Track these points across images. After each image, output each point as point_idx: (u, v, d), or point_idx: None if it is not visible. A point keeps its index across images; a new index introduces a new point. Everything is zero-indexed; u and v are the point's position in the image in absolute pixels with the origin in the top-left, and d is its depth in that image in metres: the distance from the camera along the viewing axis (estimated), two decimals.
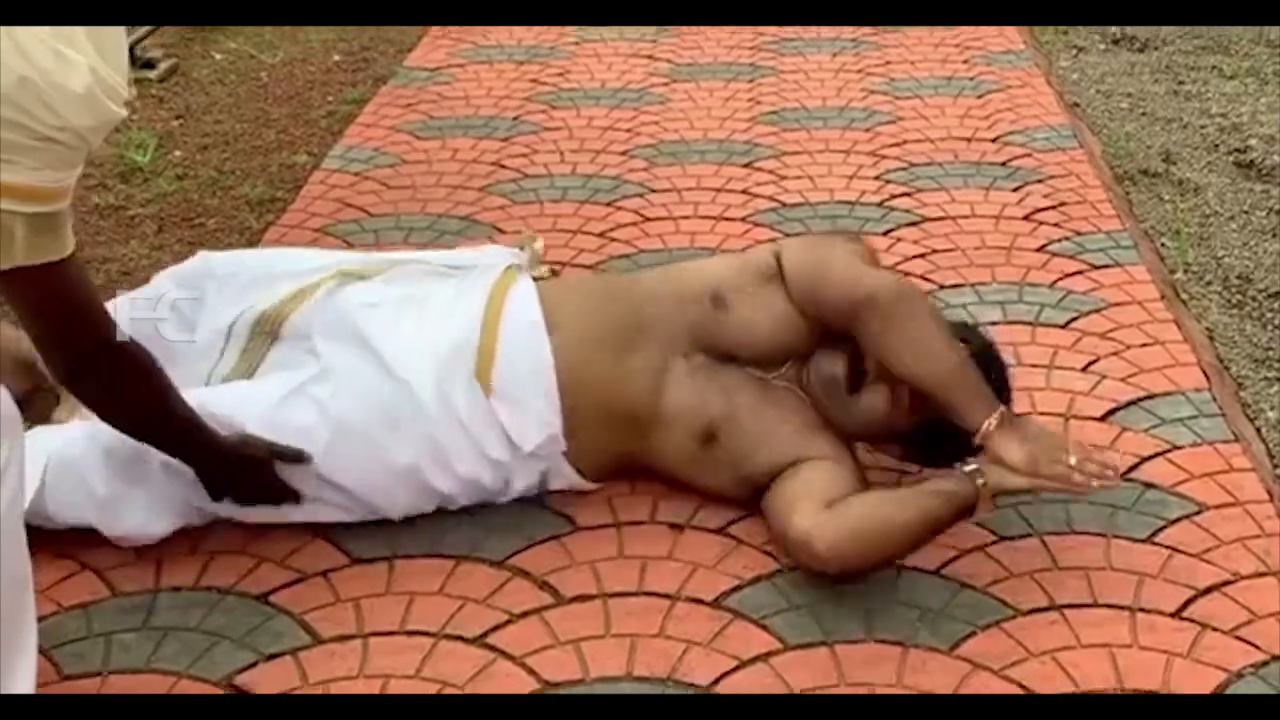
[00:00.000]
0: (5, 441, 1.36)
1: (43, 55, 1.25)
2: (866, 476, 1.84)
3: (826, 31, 3.97)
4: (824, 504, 1.71)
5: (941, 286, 2.51)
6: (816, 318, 1.85)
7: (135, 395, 1.60)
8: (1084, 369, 2.22)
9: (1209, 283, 2.56)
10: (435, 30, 4.10)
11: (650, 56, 3.80)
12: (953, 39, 3.89)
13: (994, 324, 2.36)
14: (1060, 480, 1.65)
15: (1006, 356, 1.94)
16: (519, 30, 4.06)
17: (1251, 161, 3.07)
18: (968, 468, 1.71)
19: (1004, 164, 3.05)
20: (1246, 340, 2.36)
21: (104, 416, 1.62)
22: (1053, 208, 2.82)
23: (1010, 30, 3.96)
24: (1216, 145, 3.17)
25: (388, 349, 1.82)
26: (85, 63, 1.28)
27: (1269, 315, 2.45)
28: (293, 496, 1.78)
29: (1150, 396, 2.14)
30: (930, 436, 1.81)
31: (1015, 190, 2.91)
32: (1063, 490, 1.69)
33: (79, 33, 1.29)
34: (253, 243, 2.73)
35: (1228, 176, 3.01)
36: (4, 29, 1.24)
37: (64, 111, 1.28)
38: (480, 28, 4.09)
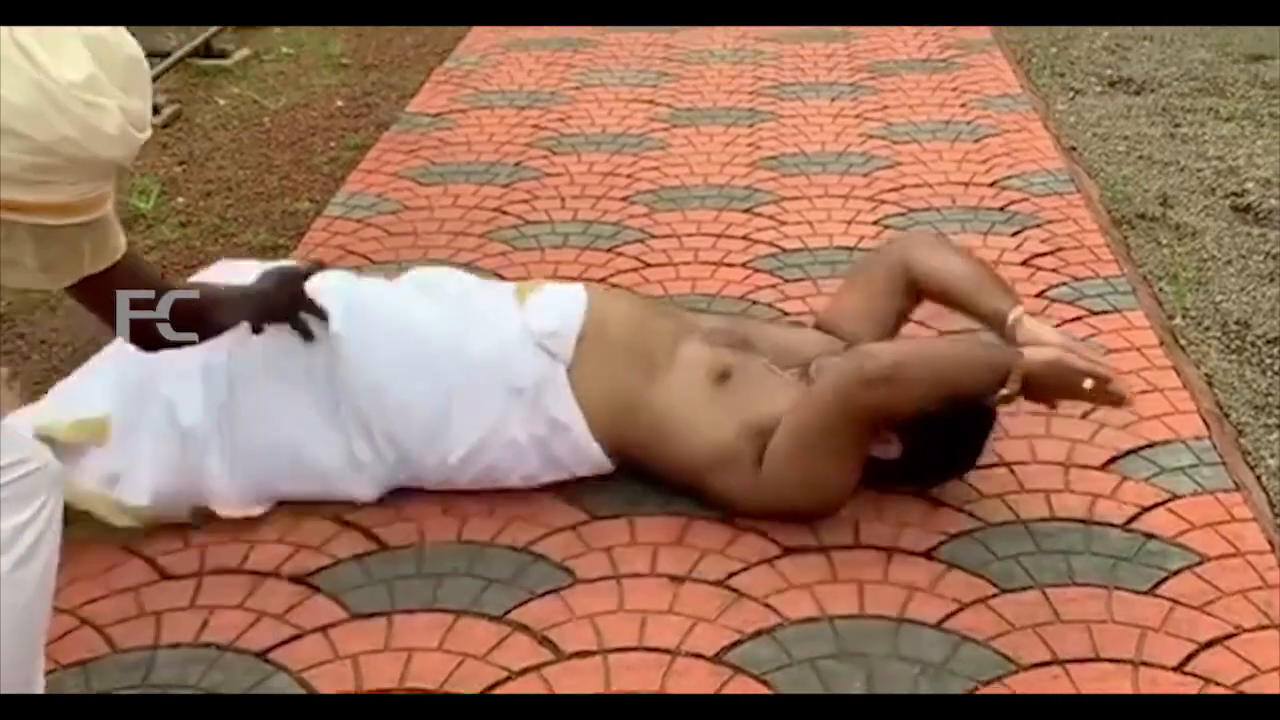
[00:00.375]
0: (44, 497, 1.43)
1: (77, 108, 1.33)
2: None
3: (824, 76, 4.00)
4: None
5: (941, 333, 2.51)
6: (876, 308, 2.14)
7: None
8: (1083, 416, 2.22)
9: (1207, 328, 2.57)
10: (438, 74, 4.14)
11: (651, 101, 3.82)
12: (950, 83, 3.91)
13: None
14: (1088, 361, 1.87)
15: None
16: (520, 75, 4.09)
17: (1249, 205, 3.08)
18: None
19: (1002, 209, 3.06)
20: (1246, 386, 2.37)
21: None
22: (1050, 253, 2.83)
23: (1007, 74, 3.99)
24: (1213, 188, 3.19)
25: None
26: (115, 104, 1.37)
27: (1268, 361, 2.45)
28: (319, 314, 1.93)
29: (1150, 445, 2.14)
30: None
31: (1013, 235, 2.93)
32: (1092, 369, 1.86)
33: (103, 79, 1.36)
34: None
35: (1225, 220, 3.02)
36: (42, 90, 1.31)
37: (100, 152, 1.37)
38: (483, 71, 4.13)
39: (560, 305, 2.06)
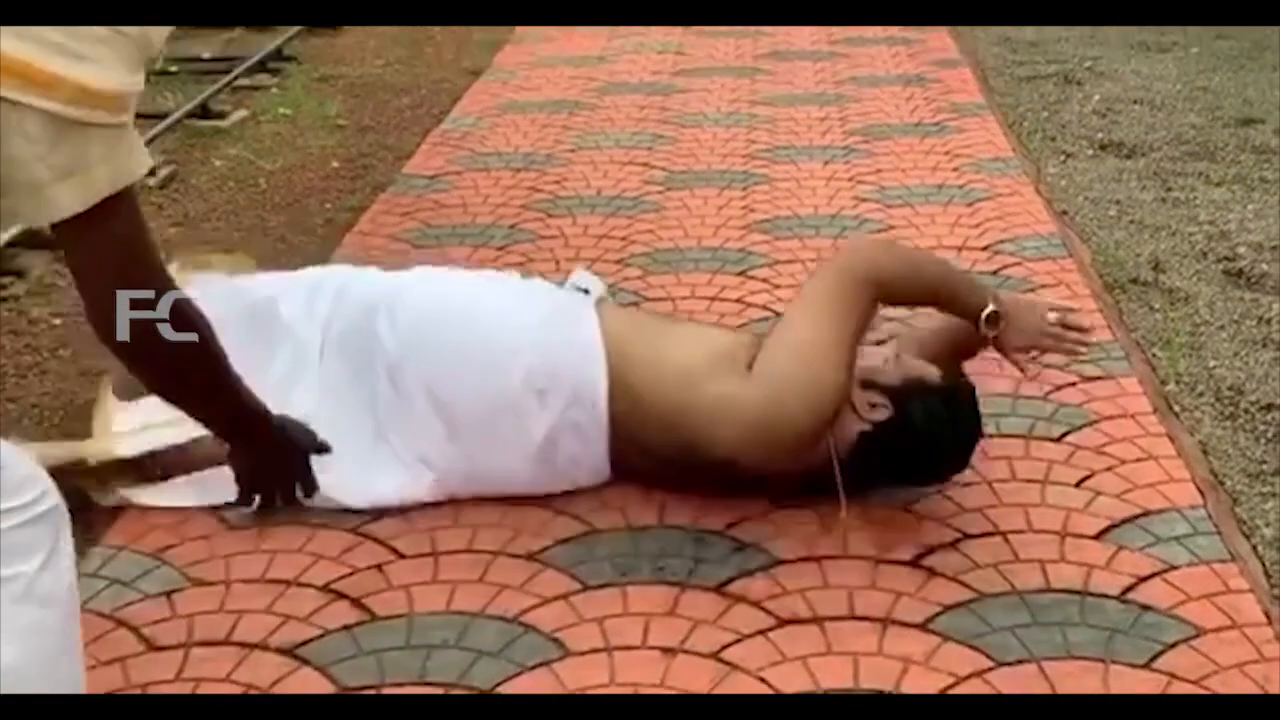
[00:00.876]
0: (55, 531, 1.34)
1: None
2: None
3: (818, 139, 4.03)
4: None
5: None
6: None
7: (199, 356, 1.54)
8: (1078, 484, 2.21)
9: (1201, 394, 2.57)
10: (434, 136, 4.17)
11: (646, 164, 3.85)
12: (942, 146, 3.94)
13: (987, 438, 2.36)
14: (1053, 337, 2.13)
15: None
16: (516, 137, 4.12)
17: (1240, 270, 3.10)
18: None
19: (995, 273, 3.07)
20: (1240, 454, 2.36)
21: (164, 383, 1.55)
22: None
23: (999, 138, 4.02)
24: (1205, 253, 3.20)
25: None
26: None
27: (1262, 428, 2.45)
28: (312, 490, 1.91)
29: (1146, 514, 2.13)
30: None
31: None
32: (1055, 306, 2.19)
33: None
34: None
35: (1217, 285, 3.03)
36: None
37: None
38: (479, 133, 4.16)
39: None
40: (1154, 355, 2.71)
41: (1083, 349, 2.18)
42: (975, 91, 4.50)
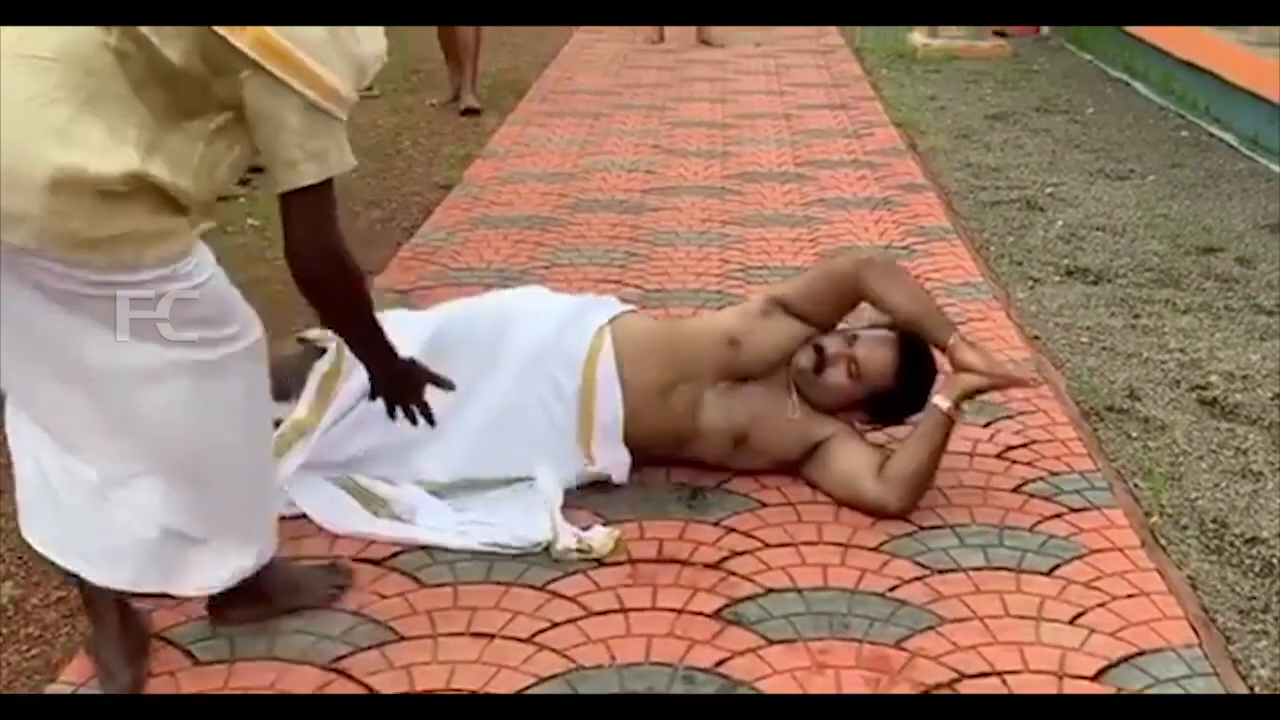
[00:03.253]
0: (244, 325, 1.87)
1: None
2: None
3: (790, 260, 4.06)
4: (875, 473, 2.51)
5: (921, 528, 2.48)
6: (826, 305, 2.67)
7: (360, 291, 1.99)
8: (1072, 621, 2.18)
9: (1185, 527, 2.56)
10: (404, 251, 4.15)
11: (619, 282, 3.84)
12: (912, 269, 3.94)
13: (977, 569, 2.34)
14: (1006, 375, 2.61)
15: None
16: (488, 253, 4.11)
17: (1214, 399, 3.12)
18: (934, 400, 2.54)
19: (972, 399, 3.07)
20: (1229, 589, 2.34)
21: (341, 310, 1.99)
22: (1024, 445, 2.83)
23: (968, 262, 4.07)
24: (1178, 381, 3.23)
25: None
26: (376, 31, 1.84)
27: (1248, 562, 2.43)
28: (430, 419, 2.21)
29: (1141, 653, 2.10)
30: (883, 401, 2.60)
31: (985, 426, 2.93)
32: (1010, 384, 2.64)
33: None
34: None
35: (1193, 414, 3.05)
36: None
37: (363, 49, 1.82)
38: (451, 248, 4.15)
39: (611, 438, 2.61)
40: (1136, 486, 2.70)
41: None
42: (941, 216, 4.57)
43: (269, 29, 1.70)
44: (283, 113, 1.74)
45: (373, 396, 2.20)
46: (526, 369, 2.59)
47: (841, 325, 2.73)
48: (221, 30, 1.69)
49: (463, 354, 2.53)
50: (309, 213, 1.82)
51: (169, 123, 1.73)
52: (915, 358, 2.60)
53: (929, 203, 4.72)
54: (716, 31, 8.40)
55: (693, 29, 8.40)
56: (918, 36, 8.12)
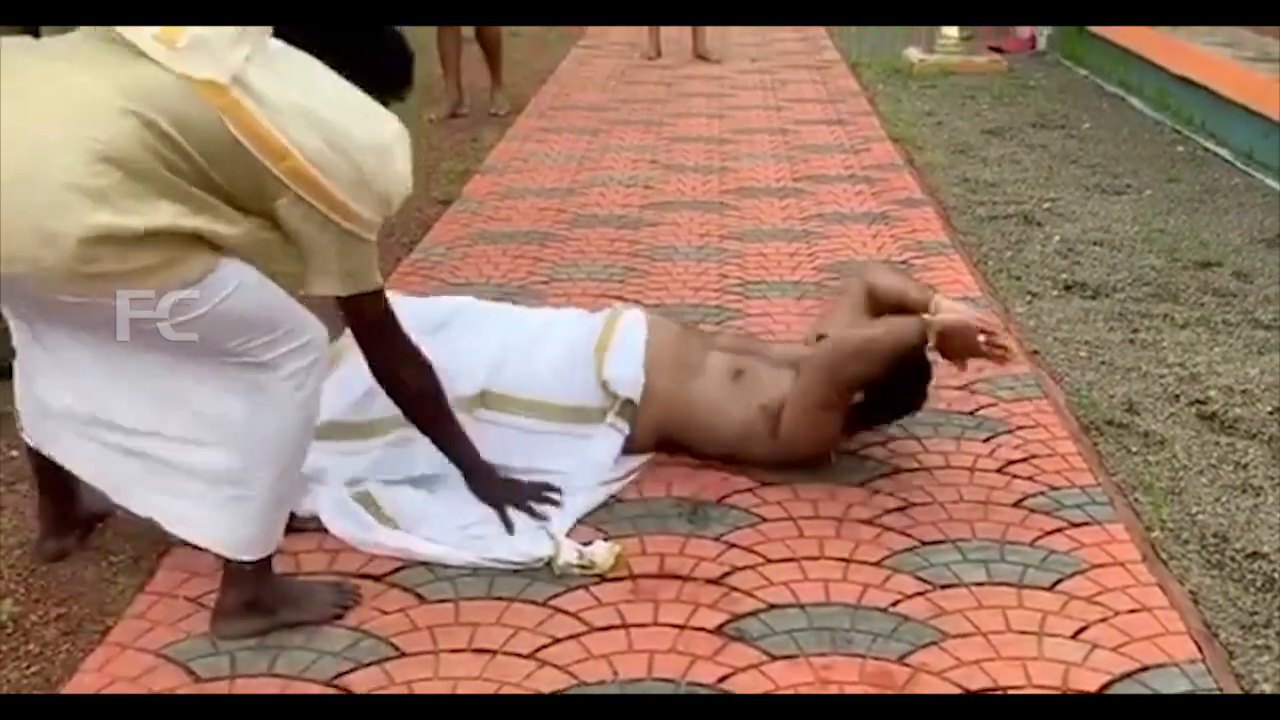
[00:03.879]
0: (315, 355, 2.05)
1: (384, 149, 2.05)
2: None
3: (788, 275, 4.06)
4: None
5: (923, 543, 2.48)
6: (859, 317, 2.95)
7: (439, 392, 2.33)
8: (1074, 636, 2.18)
9: (1186, 541, 2.56)
10: (404, 265, 4.15)
11: (619, 297, 3.81)
12: None
13: (979, 584, 2.33)
14: (980, 318, 2.73)
15: None
16: (488, 268, 4.11)
17: (1213, 413, 3.12)
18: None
19: (972, 413, 3.07)
20: (1231, 604, 2.34)
21: (424, 410, 2.35)
22: (1024, 460, 2.83)
23: (966, 277, 4.07)
24: (1177, 395, 3.23)
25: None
26: (401, 161, 2.05)
27: (1250, 576, 2.43)
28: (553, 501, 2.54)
29: (1145, 668, 2.09)
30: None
31: (985, 441, 2.93)
32: (984, 326, 2.67)
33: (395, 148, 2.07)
34: None
35: (1192, 429, 3.05)
36: (376, 137, 2.03)
37: (386, 186, 2.03)
38: (450, 263, 4.15)
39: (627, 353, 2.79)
40: (1137, 500, 2.70)
41: (1006, 357, 2.71)
42: (939, 230, 4.58)
43: (303, 160, 1.91)
44: (317, 235, 1.97)
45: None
46: (551, 323, 2.91)
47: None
48: (262, 158, 1.89)
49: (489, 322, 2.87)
50: (365, 321, 2.16)
51: (218, 208, 1.92)
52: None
53: (927, 218, 4.73)
54: (712, 46, 8.43)
55: (690, 44, 8.43)
56: (914, 51, 8.15)
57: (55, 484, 2.32)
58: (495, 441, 2.60)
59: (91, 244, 1.78)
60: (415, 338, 2.30)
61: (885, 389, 2.70)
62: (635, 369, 2.75)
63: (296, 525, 2.38)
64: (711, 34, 8.62)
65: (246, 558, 2.10)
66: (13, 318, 2.14)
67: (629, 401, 2.74)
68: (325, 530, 2.47)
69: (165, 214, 1.83)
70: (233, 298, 1.93)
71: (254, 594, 2.13)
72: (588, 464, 2.67)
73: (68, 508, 2.38)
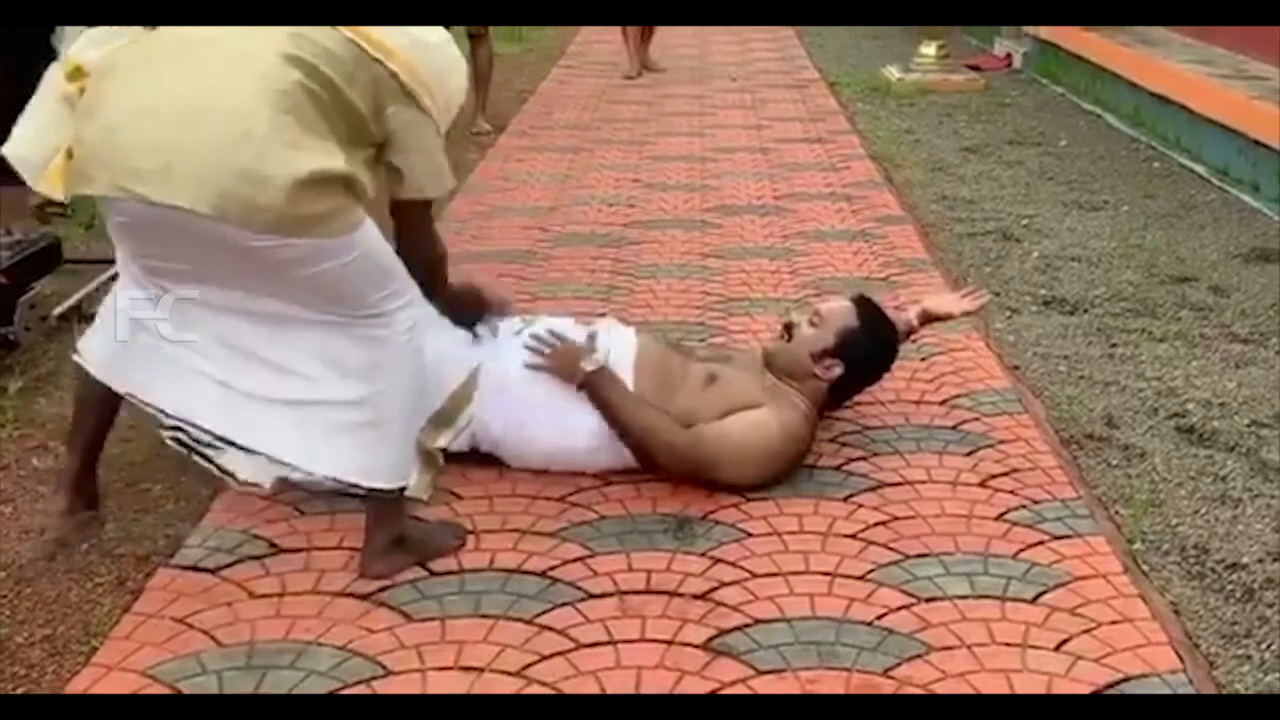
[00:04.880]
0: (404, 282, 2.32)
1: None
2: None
3: (770, 292, 4.09)
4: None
5: (907, 556, 2.50)
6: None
7: (444, 266, 2.61)
8: (1057, 648, 2.20)
9: (1167, 553, 2.58)
10: None
11: (602, 315, 3.84)
12: (892, 301, 4.01)
13: (963, 598, 2.35)
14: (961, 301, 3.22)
15: None
16: None
17: (1192, 426, 3.15)
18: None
19: (954, 428, 3.10)
20: (1212, 615, 2.37)
21: (437, 276, 2.55)
22: (1006, 474, 2.86)
23: (946, 293, 4.10)
24: (1156, 409, 3.26)
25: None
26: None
27: (1230, 588, 2.46)
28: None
29: (1127, 679, 2.11)
30: (853, 346, 2.88)
31: (968, 455, 2.95)
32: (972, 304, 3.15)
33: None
34: (201, 511, 2.66)
35: (1171, 442, 3.08)
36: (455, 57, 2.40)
37: (457, 99, 2.41)
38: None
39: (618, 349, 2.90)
40: (1117, 513, 2.73)
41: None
42: (919, 247, 4.62)
43: (402, 54, 2.21)
44: (421, 135, 2.27)
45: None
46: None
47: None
48: (379, 56, 2.18)
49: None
50: (424, 219, 2.41)
51: (349, 145, 2.16)
52: (870, 301, 3.00)
53: (906, 234, 4.77)
54: (655, 56, 8.70)
55: (637, 59, 8.52)
56: (892, 70, 8.22)
57: (94, 441, 2.54)
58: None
59: (301, 186, 2.03)
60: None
61: (854, 363, 2.89)
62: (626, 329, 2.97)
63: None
64: (654, 44, 8.74)
65: (389, 485, 2.34)
66: (144, 275, 2.29)
67: None
68: (336, 510, 2.58)
69: (339, 158, 2.09)
70: (376, 246, 2.21)
71: (400, 529, 2.39)
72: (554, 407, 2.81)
73: (88, 478, 2.59)
